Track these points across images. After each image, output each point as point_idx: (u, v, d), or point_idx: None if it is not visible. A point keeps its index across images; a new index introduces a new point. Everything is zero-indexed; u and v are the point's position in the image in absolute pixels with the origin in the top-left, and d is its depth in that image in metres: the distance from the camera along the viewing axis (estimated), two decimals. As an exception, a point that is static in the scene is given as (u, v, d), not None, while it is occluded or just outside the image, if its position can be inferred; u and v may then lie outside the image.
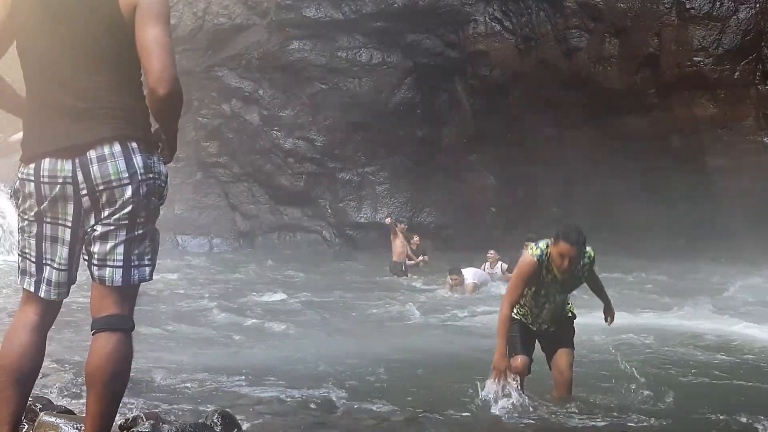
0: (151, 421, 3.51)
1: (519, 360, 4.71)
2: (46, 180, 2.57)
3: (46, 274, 2.65)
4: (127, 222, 2.54)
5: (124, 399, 4.44)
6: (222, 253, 17.78)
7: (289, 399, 4.80)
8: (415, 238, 14.60)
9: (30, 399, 3.74)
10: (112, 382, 2.58)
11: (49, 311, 2.73)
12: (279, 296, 10.45)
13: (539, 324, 4.86)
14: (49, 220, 2.60)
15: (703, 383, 5.82)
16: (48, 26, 2.58)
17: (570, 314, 4.95)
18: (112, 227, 2.54)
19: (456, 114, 17.71)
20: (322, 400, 4.79)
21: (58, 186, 2.55)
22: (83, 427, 3.24)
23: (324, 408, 4.59)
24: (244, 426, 3.82)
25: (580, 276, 4.81)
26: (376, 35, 17.57)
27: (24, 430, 3.42)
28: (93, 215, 2.56)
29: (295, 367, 5.98)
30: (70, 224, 2.59)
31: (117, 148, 2.53)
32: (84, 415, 3.79)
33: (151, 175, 2.57)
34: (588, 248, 4.74)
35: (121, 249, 2.55)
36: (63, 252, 2.62)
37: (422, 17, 16.83)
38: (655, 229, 14.56)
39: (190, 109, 18.73)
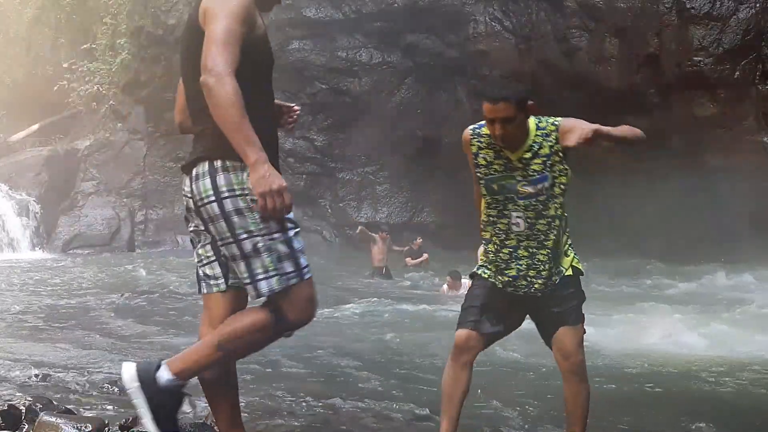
0: (151, 421, 3.50)
1: (462, 334, 3.35)
2: (183, 192, 2.82)
3: (201, 272, 2.85)
4: (231, 239, 2.65)
5: (124, 398, 4.44)
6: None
7: (289, 399, 4.80)
8: (418, 240, 14.71)
9: (30, 399, 3.75)
10: (223, 337, 2.66)
11: (217, 307, 2.84)
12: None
13: (521, 274, 3.34)
14: (192, 227, 2.83)
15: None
16: (182, 59, 2.86)
17: (569, 269, 3.40)
18: (226, 243, 2.68)
19: (456, 114, 17.70)
20: (322, 399, 4.79)
21: (186, 198, 2.78)
22: (83, 427, 3.24)
23: (324, 407, 4.59)
24: (245, 426, 3.82)
25: (550, 154, 3.28)
26: (376, 35, 17.57)
27: (24, 430, 3.42)
28: (214, 229, 2.70)
29: (295, 367, 5.98)
30: (203, 229, 2.77)
31: (206, 167, 2.67)
32: (83, 414, 3.80)
33: (238, 192, 2.62)
34: (554, 119, 3.35)
35: (243, 266, 2.66)
36: (207, 248, 2.80)
37: (422, 17, 16.83)
38: (655, 229, 14.55)
39: (190, 109, 18.75)
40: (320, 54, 17.84)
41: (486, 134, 3.33)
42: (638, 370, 6.25)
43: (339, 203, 18.57)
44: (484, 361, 5.42)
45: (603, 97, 14.59)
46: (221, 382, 2.85)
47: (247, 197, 2.62)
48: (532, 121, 3.29)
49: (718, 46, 13.59)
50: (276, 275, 2.62)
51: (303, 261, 2.69)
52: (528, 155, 3.26)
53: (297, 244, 2.69)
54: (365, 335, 7.74)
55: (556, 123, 3.30)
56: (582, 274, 3.42)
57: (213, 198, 2.64)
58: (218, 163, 2.64)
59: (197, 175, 2.68)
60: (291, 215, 2.71)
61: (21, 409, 3.59)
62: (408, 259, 14.70)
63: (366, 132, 18.12)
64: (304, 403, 4.65)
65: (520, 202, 3.27)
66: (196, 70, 2.60)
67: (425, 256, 14.46)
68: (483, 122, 3.34)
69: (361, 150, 18.47)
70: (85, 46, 20.45)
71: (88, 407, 4.12)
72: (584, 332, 3.39)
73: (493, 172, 3.30)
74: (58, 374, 5.06)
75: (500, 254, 3.36)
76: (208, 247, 2.79)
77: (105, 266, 14.45)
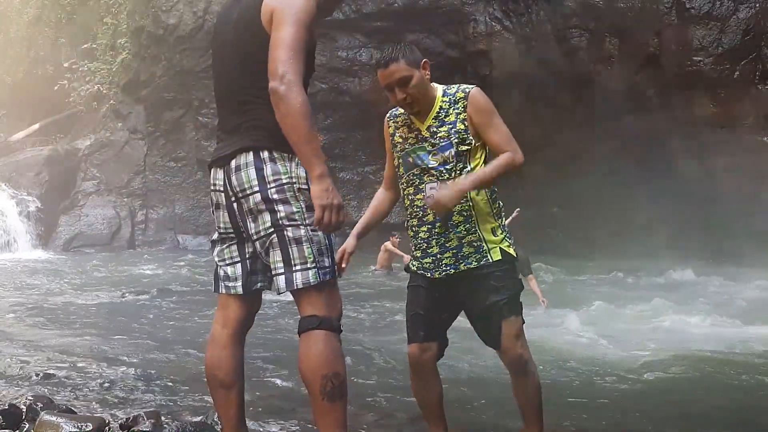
0: (152, 421, 3.52)
1: (415, 349, 3.35)
2: (212, 188, 2.79)
3: (222, 272, 2.83)
4: (272, 229, 2.61)
5: (124, 397, 4.46)
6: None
7: (290, 397, 4.80)
8: None
9: (30, 398, 3.75)
10: (312, 382, 2.61)
11: (233, 308, 2.87)
12: (278, 295, 10.45)
13: (441, 251, 3.24)
14: (220, 224, 2.82)
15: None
16: (219, 53, 2.84)
17: (498, 252, 3.20)
18: (263, 236, 2.63)
19: (456, 113, 17.69)
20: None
21: (216, 193, 2.76)
22: (84, 426, 3.25)
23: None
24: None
25: (455, 122, 3.18)
26: (377, 35, 17.56)
27: (24, 429, 3.43)
28: (246, 221, 2.67)
29: (293, 367, 5.98)
30: (230, 226, 2.76)
31: (250, 157, 2.62)
32: (84, 414, 3.81)
33: (285, 181, 2.59)
34: (464, 86, 3.26)
35: (278, 255, 2.62)
36: (232, 248, 2.80)
37: (422, 17, 16.82)
38: (655, 230, 14.55)
39: (190, 108, 18.76)
40: (320, 54, 17.82)
41: (401, 113, 3.31)
42: (639, 372, 6.25)
43: (339, 203, 18.57)
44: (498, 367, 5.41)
45: (603, 97, 14.60)
46: (231, 380, 2.85)
47: (294, 186, 2.61)
48: (439, 88, 3.25)
49: (718, 46, 13.60)
50: (315, 268, 2.61)
51: (335, 257, 2.71)
52: (435, 123, 3.21)
53: (332, 239, 2.70)
54: (365, 334, 7.74)
55: (466, 90, 3.23)
56: (515, 260, 3.27)
57: (257, 188, 2.60)
58: (265, 154, 2.62)
59: (238, 167, 2.64)
60: None
61: (22, 409, 3.60)
62: (407, 257, 14.70)
63: (366, 131, 18.12)
64: (303, 403, 4.65)
65: (434, 172, 3.20)
66: (246, 66, 2.62)
67: None
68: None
69: (362, 149, 18.47)
70: (85, 45, 20.46)
71: (89, 407, 4.13)
72: (523, 323, 3.23)
73: (408, 146, 3.26)
74: (59, 373, 5.06)
75: (420, 234, 3.32)
76: (234, 247, 2.78)
77: (106, 265, 14.45)
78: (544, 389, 3.31)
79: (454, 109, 3.20)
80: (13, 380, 4.75)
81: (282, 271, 2.62)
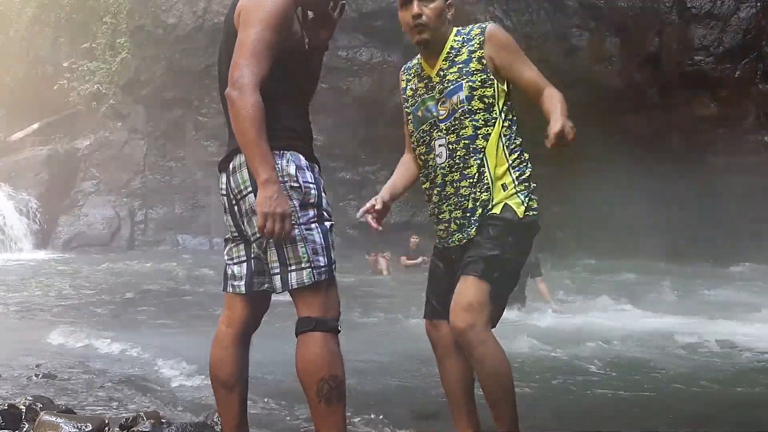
0: (151, 421, 3.50)
1: (426, 325, 3.00)
2: (219, 192, 2.76)
3: (229, 270, 2.80)
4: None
5: (124, 397, 4.44)
6: (222, 252, 17.75)
7: (290, 399, 4.78)
8: (413, 238, 14.55)
9: (30, 398, 3.74)
10: (309, 385, 2.61)
11: (239, 308, 2.84)
12: (279, 295, 10.43)
13: (452, 216, 2.88)
14: (228, 227, 2.79)
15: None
16: (219, 54, 2.79)
17: (501, 206, 2.77)
18: (259, 237, 2.59)
19: (456, 113, 17.68)
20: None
21: (222, 197, 2.74)
22: (84, 426, 3.24)
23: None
24: (245, 426, 3.80)
25: (468, 60, 2.82)
26: (377, 34, 17.56)
27: (24, 429, 3.41)
28: (244, 222, 2.65)
29: (293, 369, 5.96)
30: (235, 229, 2.73)
31: (242, 158, 2.58)
32: (84, 414, 3.80)
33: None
34: (480, 23, 2.92)
35: (274, 255, 2.59)
36: (240, 247, 2.76)
37: (422, 16, 16.83)
38: (655, 229, 14.55)
39: (190, 108, 18.75)
40: (320, 53, 17.83)
41: (414, 64, 3.03)
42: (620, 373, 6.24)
43: (339, 203, 18.55)
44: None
45: (603, 96, 14.59)
46: (233, 381, 2.84)
47: (286, 184, 2.57)
48: (453, 28, 2.91)
49: (718, 46, 13.59)
50: (309, 268, 2.57)
51: (333, 256, 2.64)
52: (445, 64, 2.85)
53: (331, 238, 2.65)
54: (364, 336, 7.73)
55: (482, 26, 2.86)
56: (521, 221, 2.74)
57: (251, 188, 2.56)
58: None
59: (234, 168, 2.62)
60: (328, 207, 2.70)
61: (21, 409, 3.58)
62: (403, 258, 14.58)
63: (366, 131, 18.12)
64: (302, 406, 4.64)
65: (441, 125, 2.87)
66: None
67: (421, 259, 14.25)
68: (417, 56, 3.01)
69: (362, 149, 18.46)
70: (85, 45, 20.46)
71: (88, 407, 4.11)
72: (491, 301, 2.65)
73: (417, 98, 2.96)
74: (59, 373, 5.05)
75: (433, 198, 2.97)
76: (241, 246, 2.76)
77: (105, 265, 14.44)
78: (541, 392, 3.28)
79: (467, 47, 2.83)
80: (12, 380, 4.74)
81: (278, 271, 2.59)
